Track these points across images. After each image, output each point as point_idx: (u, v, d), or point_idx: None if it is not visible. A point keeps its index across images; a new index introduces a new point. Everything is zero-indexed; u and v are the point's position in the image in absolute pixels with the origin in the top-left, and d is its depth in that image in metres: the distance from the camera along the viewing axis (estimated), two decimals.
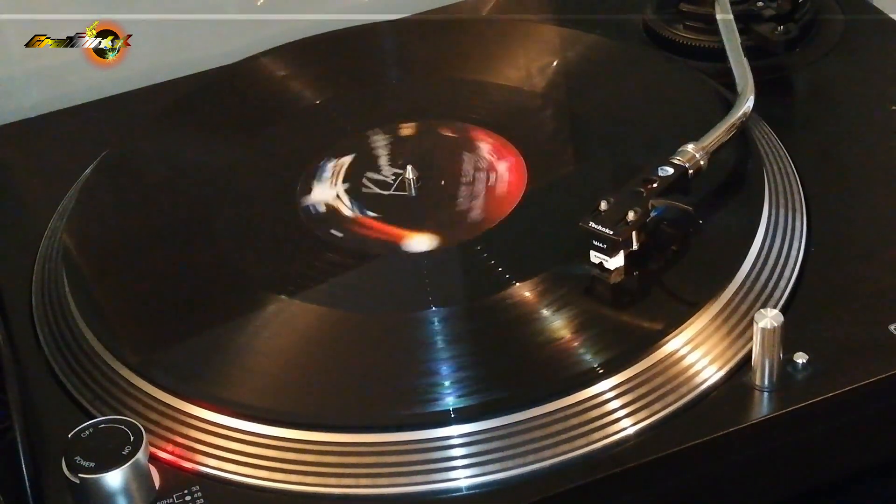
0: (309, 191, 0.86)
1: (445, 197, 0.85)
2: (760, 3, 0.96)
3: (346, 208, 0.85)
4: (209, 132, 0.95)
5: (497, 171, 0.87)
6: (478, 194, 0.85)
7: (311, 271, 0.81)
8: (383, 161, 0.89)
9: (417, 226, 0.83)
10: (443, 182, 0.86)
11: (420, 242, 0.82)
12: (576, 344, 0.73)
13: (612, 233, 0.74)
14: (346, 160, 0.89)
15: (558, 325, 0.74)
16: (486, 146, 0.89)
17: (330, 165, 0.88)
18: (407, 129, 0.92)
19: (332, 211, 0.85)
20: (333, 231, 0.83)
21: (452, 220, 0.83)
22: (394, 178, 0.87)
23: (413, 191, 0.86)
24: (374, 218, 0.84)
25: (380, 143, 0.91)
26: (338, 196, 0.86)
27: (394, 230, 0.83)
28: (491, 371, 0.72)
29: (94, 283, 0.82)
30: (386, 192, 0.86)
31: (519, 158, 0.87)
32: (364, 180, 0.87)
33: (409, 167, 0.87)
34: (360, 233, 0.83)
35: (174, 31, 1.07)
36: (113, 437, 0.67)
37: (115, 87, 1.03)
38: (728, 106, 0.85)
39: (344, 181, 0.87)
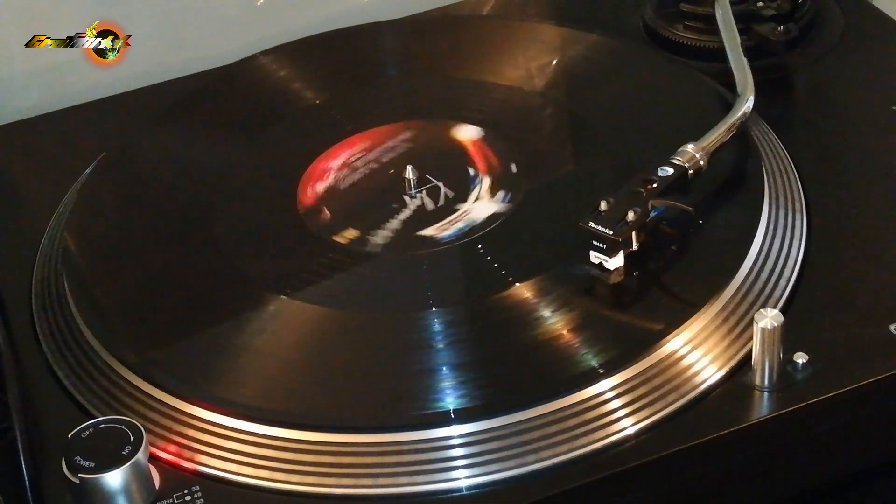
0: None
1: (445, 196, 0.85)
2: (760, 3, 0.96)
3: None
4: (209, 132, 0.95)
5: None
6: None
7: (311, 271, 0.81)
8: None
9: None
10: (443, 182, 0.86)
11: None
12: (576, 344, 0.73)
13: (611, 233, 0.74)
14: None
15: (558, 325, 0.74)
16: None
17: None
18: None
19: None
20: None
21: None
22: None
23: (413, 191, 0.86)
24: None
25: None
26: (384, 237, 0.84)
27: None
28: (491, 371, 0.72)
29: (94, 282, 0.82)
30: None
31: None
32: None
33: (408, 167, 0.87)
34: None
35: (174, 31, 1.07)
36: (113, 437, 0.67)
37: (115, 87, 1.03)
38: (728, 106, 0.85)
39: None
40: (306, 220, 0.84)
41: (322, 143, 0.91)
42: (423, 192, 0.86)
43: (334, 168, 0.89)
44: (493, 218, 0.83)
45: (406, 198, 0.85)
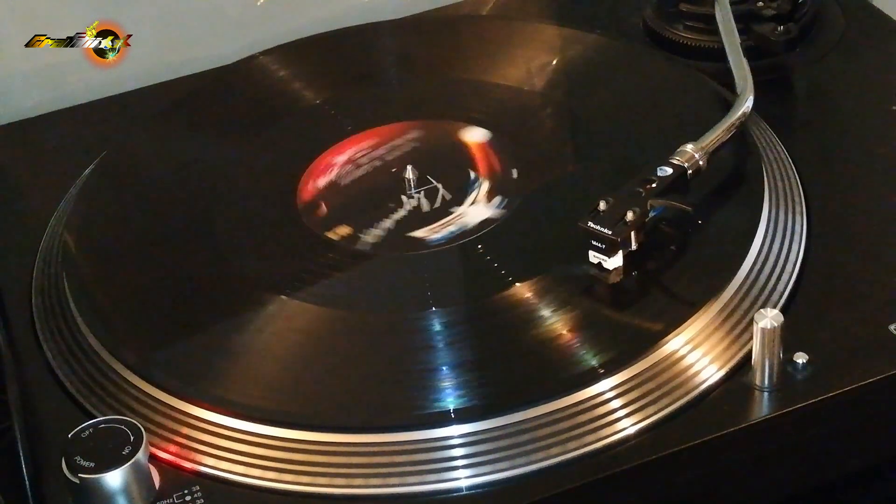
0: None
1: (442, 198, 0.85)
2: (760, 3, 0.96)
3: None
4: (209, 132, 0.95)
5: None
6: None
7: (311, 271, 0.81)
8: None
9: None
10: (443, 182, 0.86)
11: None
12: (576, 344, 0.73)
13: (610, 233, 0.74)
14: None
15: (558, 325, 0.74)
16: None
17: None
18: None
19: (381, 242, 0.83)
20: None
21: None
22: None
23: (413, 191, 0.86)
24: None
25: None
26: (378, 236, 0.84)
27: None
28: (491, 371, 0.72)
29: (94, 282, 0.82)
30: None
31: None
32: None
33: (408, 167, 0.87)
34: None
35: (174, 31, 1.07)
36: (113, 437, 0.67)
37: (115, 87, 1.03)
38: (728, 106, 0.85)
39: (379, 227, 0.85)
40: (306, 219, 0.84)
41: (322, 143, 0.91)
42: (422, 192, 0.86)
43: (335, 165, 0.89)
44: (485, 223, 0.82)
45: (403, 198, 0.85)
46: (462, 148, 0.90)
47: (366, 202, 0.85)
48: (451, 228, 0.83)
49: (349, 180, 0.88)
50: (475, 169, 0.88)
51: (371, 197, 0.86)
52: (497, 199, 0.84)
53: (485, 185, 0.86)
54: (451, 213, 0.84)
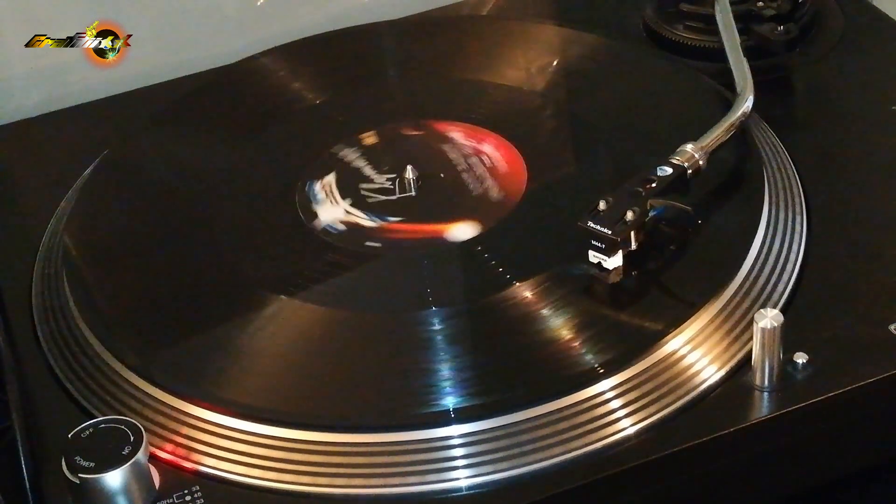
0: (314, 215, 0.85)
1: (447, 194, 0.85)
2: (760, 3, 0.96)
3: (366, 220, 0.84)
4: (209, 132, 0.95)
5: (496, 170, 0.87)
6: (476, 194, 0.85)
7: (311, 271, 0.81)
8: (373, 167, 0.89)
9: (447, 217, 0.83)
10: (443, 182, 0.86)
11: (461, 231, 0.82)
12: (576, 344, 0.73)
13: (610, 232, 0.74)
14: (330, 178, 0.88)
15: (558, 325, 0.74)
16: (485, 146, 0.89)
17: (317, 186, 0.87)
18: (405, 130, 0.92)
19: (354, 226, 0.83)
20: (369, 244, 0.82)
21: (462, 211, 0.83)
22: (390, 182, 0.87)
23: (413, 191, 0.86)
24: (399, 222, 0.84)
25: (364, 150, 0.91)
26: (347, 212, 0.85)
27: (430, 227, 0.83)
28: (491, 371, 0.72)
29: (94, 283, 0.82)
30: (392, 197, 0.86)
31: (519, 158, 0.87)
32: (363, 192, 0.86)
33: (408, 167, 0.87)
34: (396, 238, 0.82)
35: (174, 31, 1.07)
36: (113, 437, 0.67)
37: (115, 87, 1.03)
38: (728, 106, 0.85)
39: (343, 197, 0.86)
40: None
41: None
42: (424, 191, 0.86)
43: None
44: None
45: (409, 196, 0.85)
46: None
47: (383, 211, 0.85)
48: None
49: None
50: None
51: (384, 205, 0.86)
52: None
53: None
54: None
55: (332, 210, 0.85)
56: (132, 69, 1.03)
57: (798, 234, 0.80)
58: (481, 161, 0.87)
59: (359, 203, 0.86)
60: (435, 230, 0.82)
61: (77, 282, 0.81)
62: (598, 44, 0.98)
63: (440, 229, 0.82)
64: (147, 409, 0.72)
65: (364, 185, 0.87)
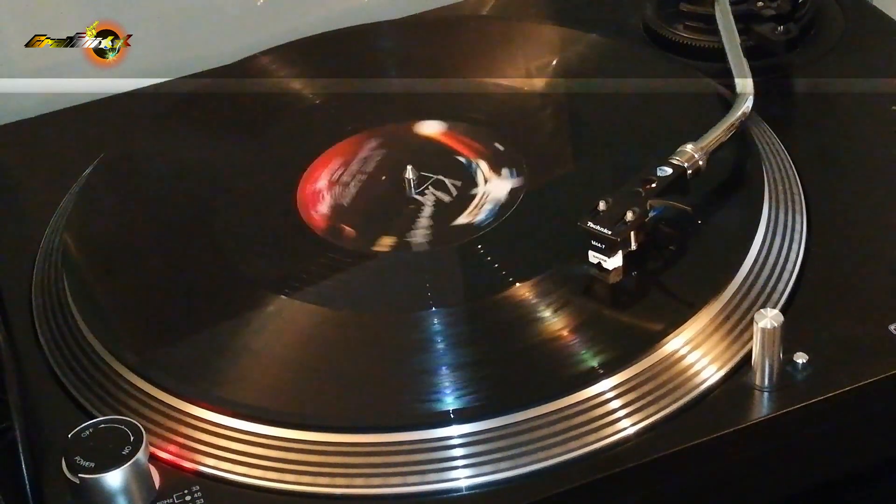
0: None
1: (446, 196, 0.85)
2: (760, 3, 0.96)
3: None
4: (209, 132, 0.95)
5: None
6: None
7: (311, 271, 0.81)
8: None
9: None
10: (442, 181, 0.86)
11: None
12: (576, 344, 0.73)
13: (610, 233, 0.74)
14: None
15: (558, 325, 0.74)
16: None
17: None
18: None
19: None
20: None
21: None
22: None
23: (413, 191, 0.86)
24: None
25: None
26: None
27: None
28: (491, 371, 0.72)
29: (94, 282, 0.82)
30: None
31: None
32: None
33: (408, 167, 0.87)
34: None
35: (174, 31, 1.07)
36: (113, 437, 0.67)
37: (115, 87, 1.03)
38: (728, 106, 0.85)
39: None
40: (306, 219, 0.84)
41: (322, 143, 0.91)
42: (430, 187, 0.86)
43: (322, 189, 0.89)
44: (514, 192, 0.84)
45: (419, 197, 0.85)
46: (434, 141, 0.90)
47: (385, 210, 0.85)
48: (488, 206, 0.83)
49: (350, 195, 0.87)
50: (462, 154, 0.88)
51: (385, 204, 0.86)
52: (505, 171, 0.85)
53: (483, 164, 0.86)
54: (476, 194, 0.84)
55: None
56: (132, 69, 1.03)
57: (798, 234, 0.80)
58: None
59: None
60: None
61: (77, 282, 0.81)
62: (598, 44, 0.98)
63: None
64: (147, 409, 0.72)
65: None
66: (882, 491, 0.81)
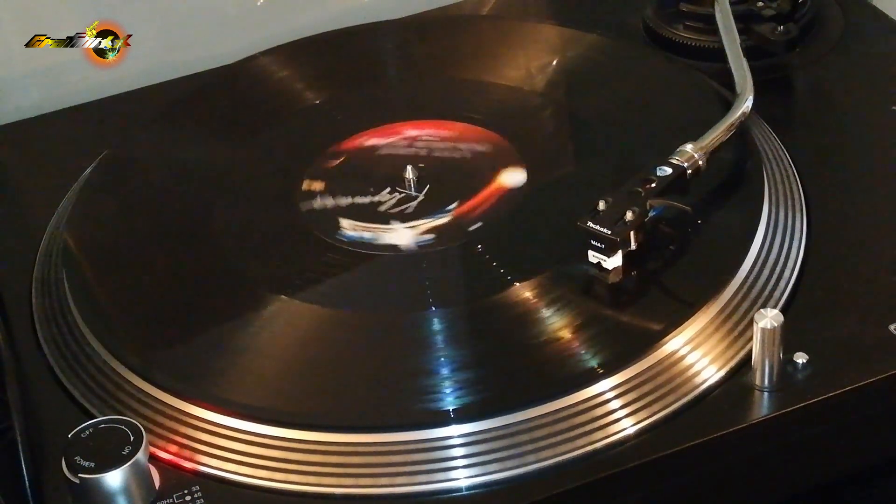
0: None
1: (445, 196, 0.85)
2: (760, 3, 0.96)
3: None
4: (209, 132, 0.95)
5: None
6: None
7: (311, 271, 0.81)
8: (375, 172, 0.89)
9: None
10: (442, 181, 0.86)
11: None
12: (575, 344, 0.73)
13: (609, 233, 0.74)
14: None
15: (558, 325, 0.74)
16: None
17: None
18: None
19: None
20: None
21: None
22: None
23: (413, 190, 0.86)
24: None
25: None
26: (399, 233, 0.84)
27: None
28: (491, 371, 0.72)
29: (94, 283, 0.82)
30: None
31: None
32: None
33: (408, 167, 0.87)
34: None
35: (174, 31, 1.07)
36: (113, 437, 0.67)
37: (115, 87, 1.03)
38: (728, 106, 0.85)
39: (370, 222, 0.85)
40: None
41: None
42: (430, 187, 0.86)
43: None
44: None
45: (417, 196, 0.85)
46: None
47: (385, 210, 0.85)
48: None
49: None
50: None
51: (385, 204, 0.86)
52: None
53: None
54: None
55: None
56: (132, 69, 1.03)
57: (798, 234, 0.80)
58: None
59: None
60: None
61: (77, 282, 0.81)
62: (598, 44, 0.98)
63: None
64: (147, 409, 0.72)
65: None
66: (882, 491, 0.81)
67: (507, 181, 0.86)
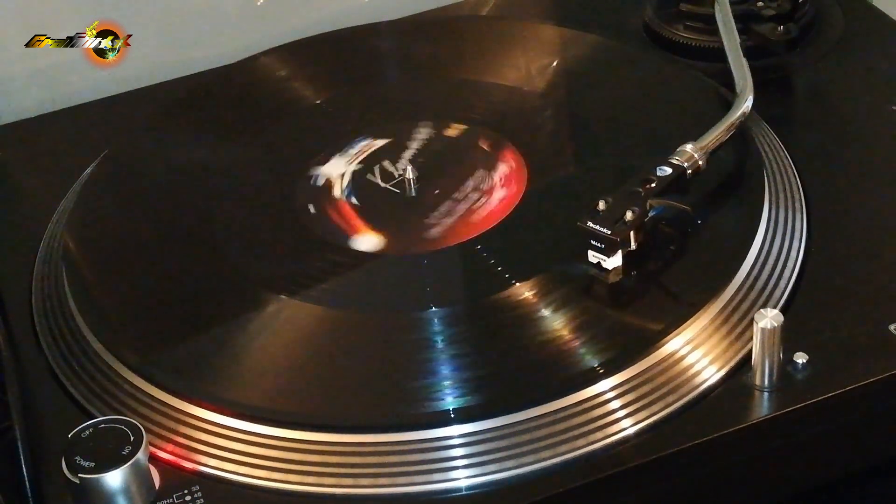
0: (325, 161, 0.88)
1: (443, 195, 0.85)
2: (760, 3, 0.96)
3: (339, 189, 0.86)
4: (209, 132, 0.95)
5: (497, 171, 0.87)
6: (477, 194, 0.85)
7: (311, 271, 0.81)
8: (403, 156, 0.89)
9: (380, 226, 0.83)
10: (442, 181, 0.86)
11: (366, 242, 0.82)
12: (575, 344, 0.73)
13: (609, 233, 0.74)
14: (378, 143, 0.90)
15: (558, 325, 0.74)
16: (485, 146, 0.89)
17: (361, 144, 0.89)
18: (406, 130, 0.92)
19: (326, 188, 0.86)
20: (310, 206, 0.84)
21: (451, 221, 0.83)
22: (399, 174, 0.87)
23: (412, 190, 0.86)
24: (353, 206, 0.85)
25: (414, 138, 0.91)
26: (343, 175, 0.87)
27: (357, 223, 0.83)
28: (491, 371, 0.72)
29: (94, 282, 0.82)
30: (382, 185, 0.86)
31: (519, 158, 0.87)
32: (376, 168, 0.88)
33: (409, 167, 0.87)
34: (330, 216, 0.84)
35: (174, 31, 1.07)
36: (113, 437, 0.67)
37: (115, 87, 1.03)
38: (728, 106, 0.85)
39: (360, 162, 0.88)
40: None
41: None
42: (429, 186, 0.86)
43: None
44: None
45: (417, 195, 0.85)
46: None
47: (385, 209, 0.85)
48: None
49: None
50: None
51: (385, 203, 0.86)
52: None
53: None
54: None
55: (338, 166, 0.88)
56: (132, 69, 1.03)
57: (798, 234, 0.80)
58: (487, 178, 0.87)
59: (359, 174, 0.88)
60: (354, 228, 0.84)
61: (77, 281, 0.81)
62: (598, 44, 0.98)
63: (356, 229, 0.83)
64: (147, 409, 0.72)
65: (384, 164, 0.88)
66: (882, 491, 0.81)
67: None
